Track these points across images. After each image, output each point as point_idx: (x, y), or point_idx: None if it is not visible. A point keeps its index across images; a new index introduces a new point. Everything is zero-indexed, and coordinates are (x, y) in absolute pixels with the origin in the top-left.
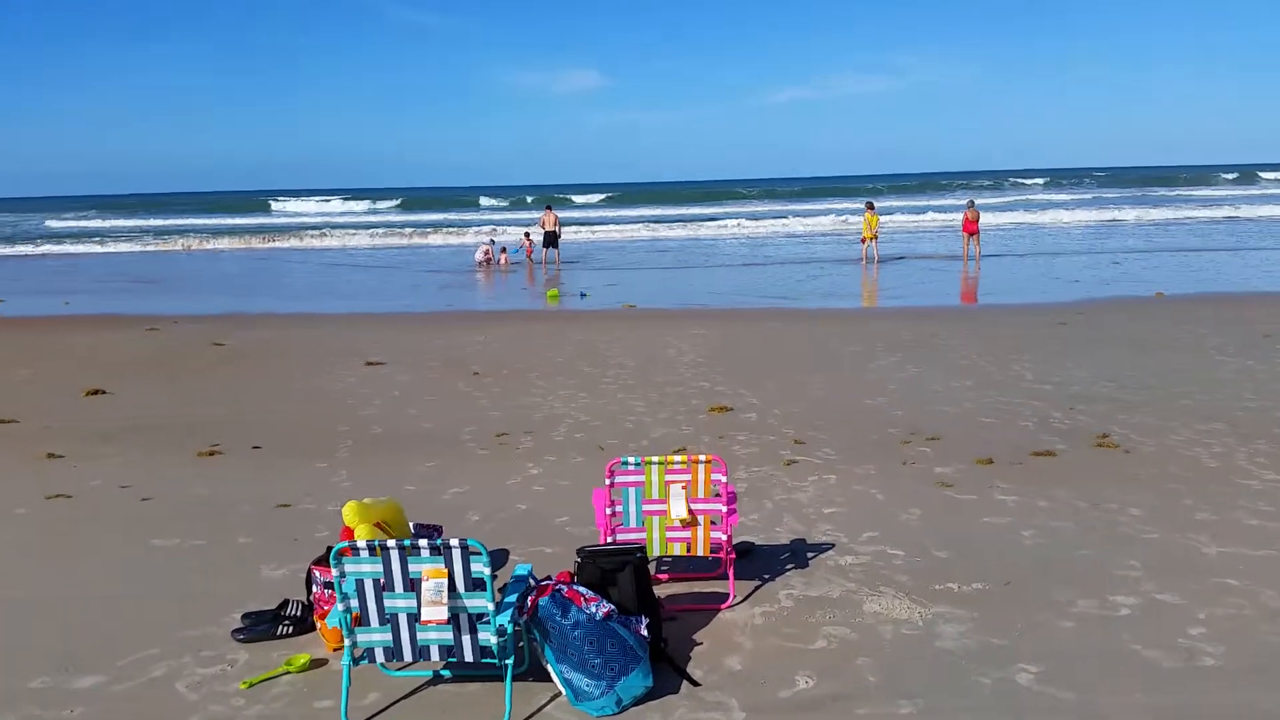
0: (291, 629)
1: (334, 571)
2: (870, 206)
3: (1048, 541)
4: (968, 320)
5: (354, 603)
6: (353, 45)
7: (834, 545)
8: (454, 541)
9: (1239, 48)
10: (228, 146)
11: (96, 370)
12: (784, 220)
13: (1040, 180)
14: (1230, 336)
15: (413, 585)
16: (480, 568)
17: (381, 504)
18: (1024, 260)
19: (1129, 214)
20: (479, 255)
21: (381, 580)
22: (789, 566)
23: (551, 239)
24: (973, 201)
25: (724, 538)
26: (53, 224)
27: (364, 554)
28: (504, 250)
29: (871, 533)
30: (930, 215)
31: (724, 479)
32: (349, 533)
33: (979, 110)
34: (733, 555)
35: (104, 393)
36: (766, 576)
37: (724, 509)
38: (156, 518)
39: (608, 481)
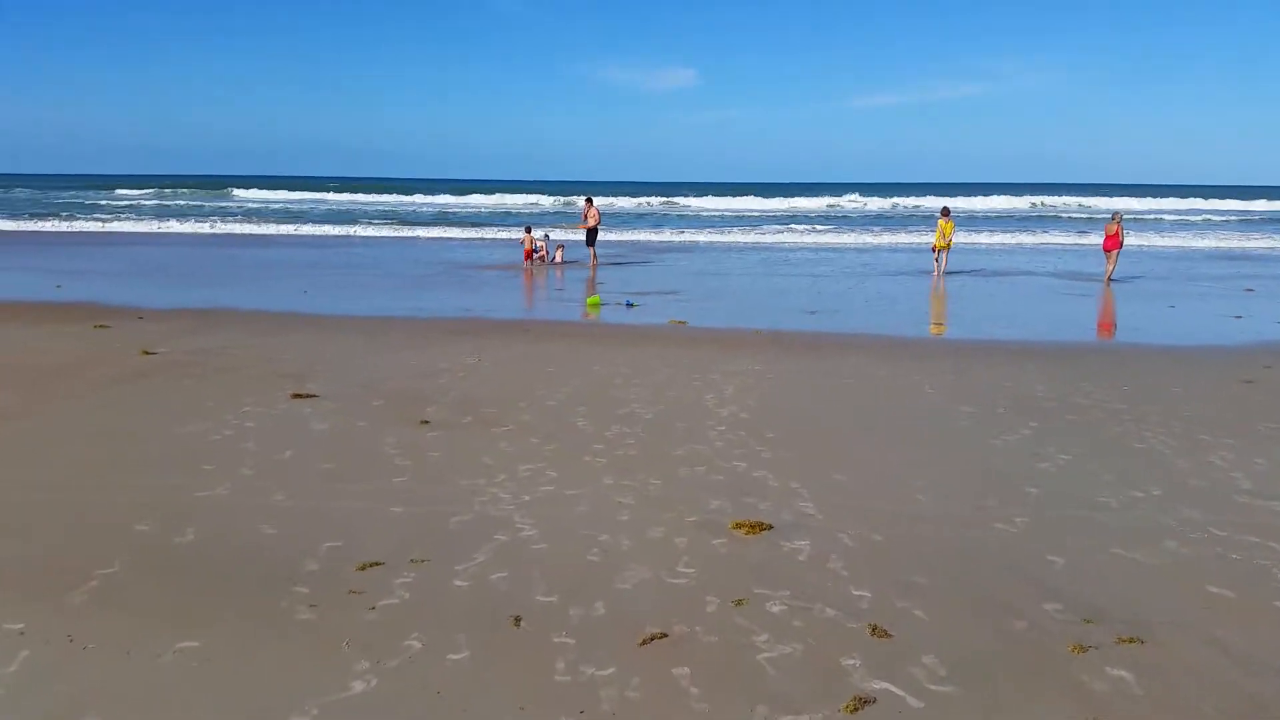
0: None
1: None
2: (946, 213)
3: None
4: (1118, 366)
5: None
6: (439, 34)
7: None
8: None
9: None
10: (304, 132)
11: None
12: (873, 232)
13: (1152, 198)
14: None
15: None
16: None
17: None
18: (1156, 285)
19: (1263, 240)
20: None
21: None
22: None
23: (592, 235)
24: (1118, 214)
25: None
26: (119, 194)
27: None
28: (560, 247)
29: None
30: (1043, 233)
31: None
32: None
33: (1081, 120)
34: None
35: None
36: None
37: None
38: None
39: None
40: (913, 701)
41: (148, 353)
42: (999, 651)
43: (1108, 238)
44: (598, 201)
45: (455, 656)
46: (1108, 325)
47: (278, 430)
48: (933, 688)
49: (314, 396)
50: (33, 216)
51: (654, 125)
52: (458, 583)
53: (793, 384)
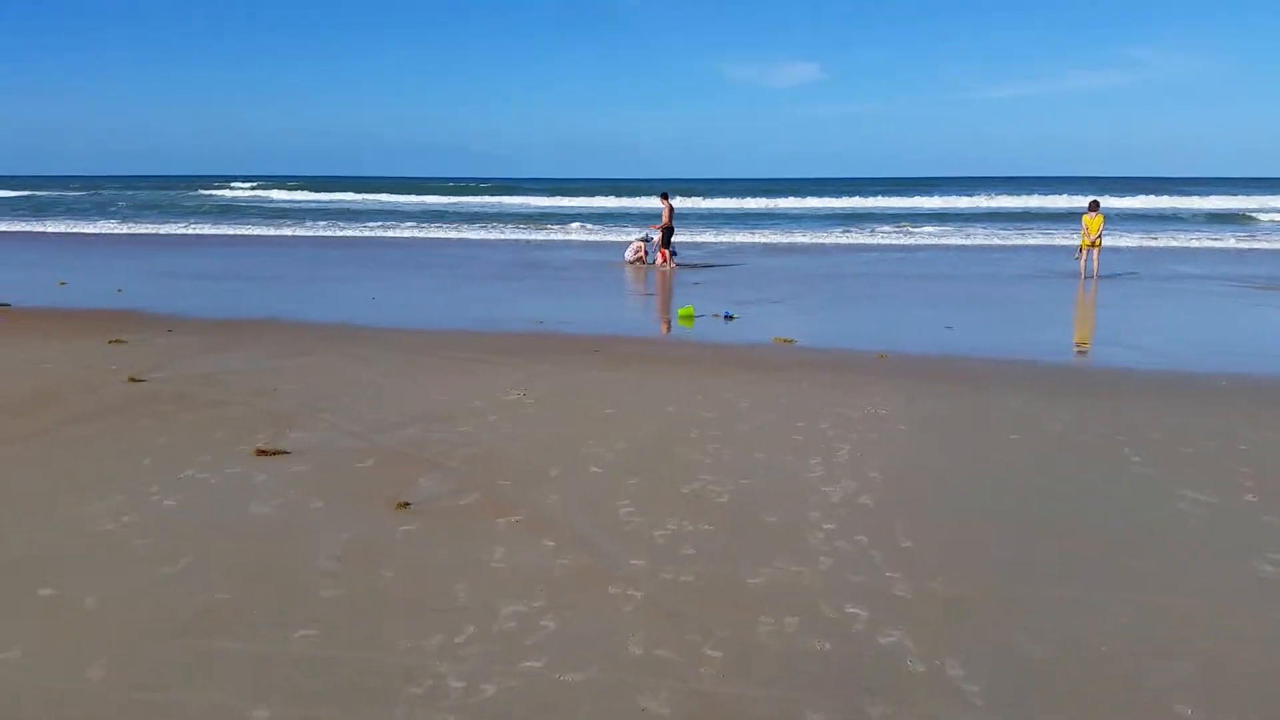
0: None
1: None
2: (1094, 206)
3: None
4: None
5: None
6: (557, 26)
7: None
8: None
9: None
10: (402, 131)
11: None
12: (1005, 231)
13: None
14: None
15: None
16: None
17: None
18: None
19: None
20: (629, 254)
21: None
22: None
23: (667, 235)
24: None
25: None
26: (274, 194)
27: None
28: (660, 249)
29: None
30: (1194, 237)
31: None
32: None
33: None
34: None
35: None
36: None
37: None
38: None
39: None
40: None
41: (135, 380)
42: None
43: None
44: (713, 200)
45: None
46: None
47: (199, 514)
48: None
49: (283, 454)
50: (138, 219)
51: (774, 121)
52: None
53: (933, 440)
